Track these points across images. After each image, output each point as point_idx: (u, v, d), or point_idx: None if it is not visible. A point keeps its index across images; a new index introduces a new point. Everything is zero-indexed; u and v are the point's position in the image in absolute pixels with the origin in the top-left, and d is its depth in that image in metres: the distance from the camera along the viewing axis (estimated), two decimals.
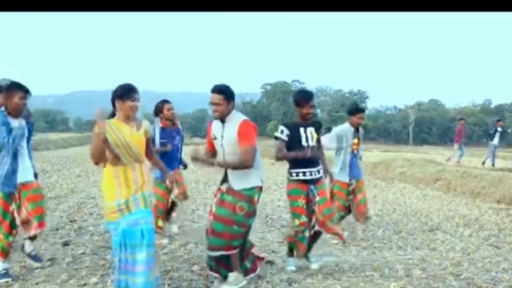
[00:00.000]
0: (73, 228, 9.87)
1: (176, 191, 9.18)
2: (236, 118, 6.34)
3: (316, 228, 7.40)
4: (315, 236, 7.60)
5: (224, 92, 6.27)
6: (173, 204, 9.43)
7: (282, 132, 7.25)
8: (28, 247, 7.16)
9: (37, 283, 6.50)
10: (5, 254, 6.82)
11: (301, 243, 7.34)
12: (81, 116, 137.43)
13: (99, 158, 5.65)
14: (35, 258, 7.21)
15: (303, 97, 7.36)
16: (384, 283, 6.85)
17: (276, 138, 7.30)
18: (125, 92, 5.80)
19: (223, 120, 6.34)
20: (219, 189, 6.56)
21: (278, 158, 7.47)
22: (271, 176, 21.42)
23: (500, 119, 28.61)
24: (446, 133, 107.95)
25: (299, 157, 7.11)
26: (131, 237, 5.59)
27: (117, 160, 5.69)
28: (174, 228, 9.89)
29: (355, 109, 9.61)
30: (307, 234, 7.33)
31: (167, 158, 8.56)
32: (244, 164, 6.22)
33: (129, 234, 5.59)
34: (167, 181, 8.53)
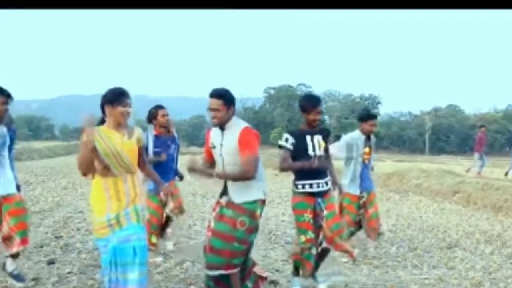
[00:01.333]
0: (59, 245, 9.83)
1: (171, 205, 9.12)
2: (237, 125, 6.28)
3: (324, 245, 7.37)
4: (323, 254, 7.57)
5: (224, 97, 6.20)
6: (168, 219, 9.38)
7: (286, 140, 7.18)
8: (10, 265, 7.14)
9: None
10: None
11: (308, 261, 7.30)
12: (68, 123, 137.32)
13: (87, 169, 5.63)
14: (18, 277, 7.18)
15: (310, 103, 7.29)
16: None
17: (280, 147, 7.23)
18: (116, 97, 5.78)
19: (222, 128, 6.29)
20: (218, 202, 6.51)
21: (283, 169, 7.33)
22: (275, 189, 21.42)
23: None
24: (465, 141, 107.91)
25: (305, 168, 7.03)
26: (122, 254, 5.58)
27: (107, 170, 5.67)
28: (169, 245, 9.82)
29: (366, 115, 9.56)
30: (314, 251, 7.28)
31: (162, 168, 8.53)
32: (246, 175, 6.17)
33: (120, 251, 5.58)
34: (162, 194, 8.53)
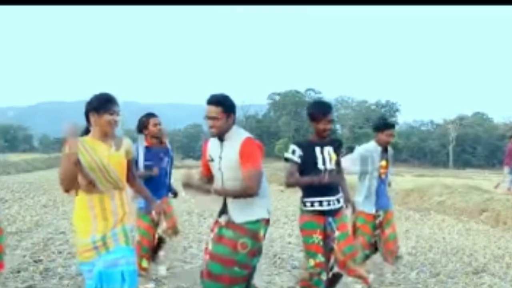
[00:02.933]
0: (38, 269, 9.82)
1: (164, 225, 9.02)
2: (237, 136, 6.24)
3: (336, 269, 7.31)
4: (335, 280, 7.52)
5: (223, 104, 6.15)
6: (161, 241, 9.29)
7: (293, 152, 7.10)
8: None
9: None
10: None
11: None
12: (48, 132, 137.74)
13: (70, 184, 5.62)
14: None
15: (320, 110, 7.19)
16: None
17: (287, 159, 7.17)
18: (102, 104, 5.78)
19: (221, 138, 6.23)
20: (216, 222, 6.46)
21: (289, 184, 7.25)
22: (281, 207, 21.47)
23: None
24: (494, 153, 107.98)
25: (315, 183, 6.94)
26: (109, 280, 5.57)
27: (92, 186, 5.67)
28: (162, 270, 9.69)
29: (382, 124, 9.37)
30: (324, 277, 7.20)
31: (154, 184, 8.53)
32: (248, 192, 6.11)
33: (106, 277, 5.58)
34: (153, 213, 8.46)
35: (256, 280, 7.05)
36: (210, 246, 6.37)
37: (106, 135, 5.81)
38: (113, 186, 5.75)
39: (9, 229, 13.89)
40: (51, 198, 21.95)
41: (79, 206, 5.78)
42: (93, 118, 5.76)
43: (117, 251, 5.64)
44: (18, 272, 9.63)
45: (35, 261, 10.50)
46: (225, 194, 6.27)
